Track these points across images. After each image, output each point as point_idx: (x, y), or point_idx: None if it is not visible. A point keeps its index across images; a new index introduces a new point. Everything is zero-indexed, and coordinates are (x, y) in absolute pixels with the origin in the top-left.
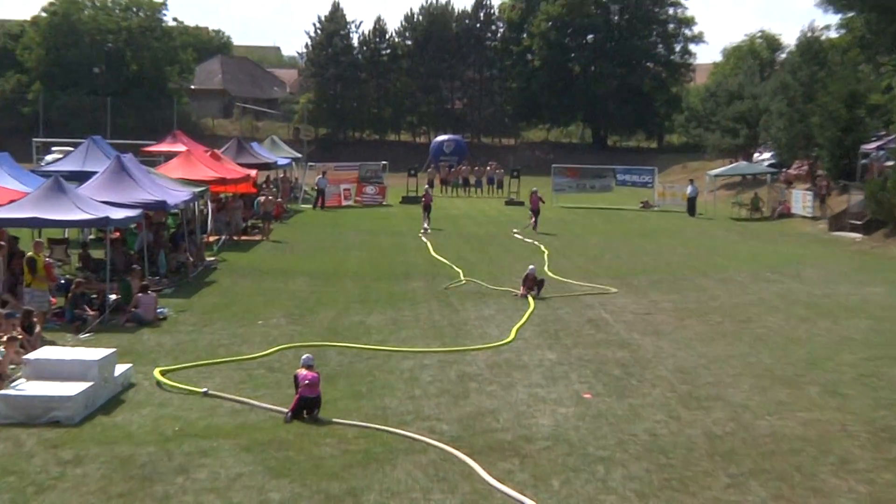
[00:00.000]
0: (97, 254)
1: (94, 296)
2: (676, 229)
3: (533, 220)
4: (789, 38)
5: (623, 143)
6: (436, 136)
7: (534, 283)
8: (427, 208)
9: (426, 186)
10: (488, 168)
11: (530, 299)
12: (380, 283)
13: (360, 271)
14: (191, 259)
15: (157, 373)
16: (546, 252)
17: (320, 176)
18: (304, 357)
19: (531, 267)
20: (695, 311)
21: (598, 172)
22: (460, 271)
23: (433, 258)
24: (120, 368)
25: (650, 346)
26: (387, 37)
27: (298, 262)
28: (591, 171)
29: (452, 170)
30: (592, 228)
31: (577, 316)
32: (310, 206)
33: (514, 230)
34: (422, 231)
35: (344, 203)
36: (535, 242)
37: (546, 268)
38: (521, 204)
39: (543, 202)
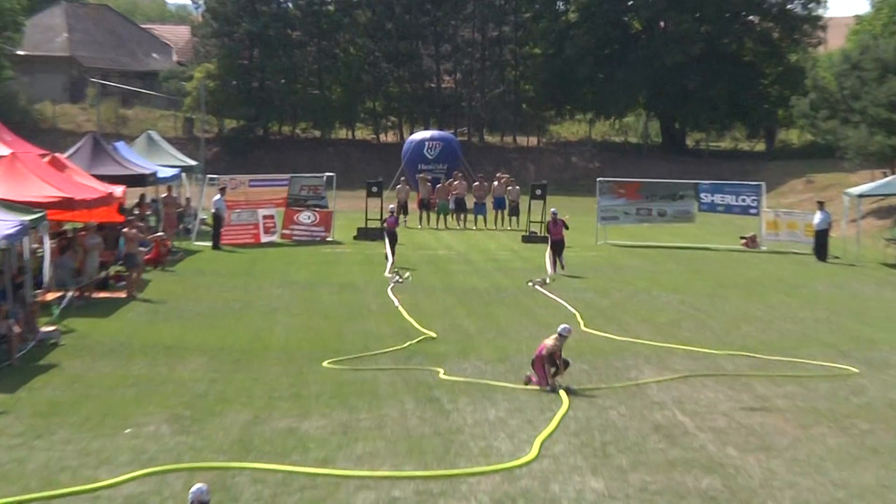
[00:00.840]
0: None
1: None
2: (798, 281)
3: (552, 258)
4: None
5: (711, 143)
6: (412, 134)
7: (554, 362)
8: (391, 239)
9: (391, 208)
10: (495, 183)
11: (562, 394)
12: (322, 368)
13: (291, 348)
14: (16, 329)
15: None
16: (577, 314)
17: (217, 196)
18: (195, 489)
19: (563, 327)
20: (827, 414)
21: (670, 190)
22: (432, 334)
23: (406, 325)
24: None
25: (755, 470)
26: None
27: (191, 333)
28: (659, 189)
29: (438, 186)
30: (662, 279)
31: (636, 419)
32: (210, 243)
33: (530, 282)
34: (390, 279)
35: (264, 239)
36: (559, 299)
37: (582, 326)
38: (547, 241)
39: (568, 228)
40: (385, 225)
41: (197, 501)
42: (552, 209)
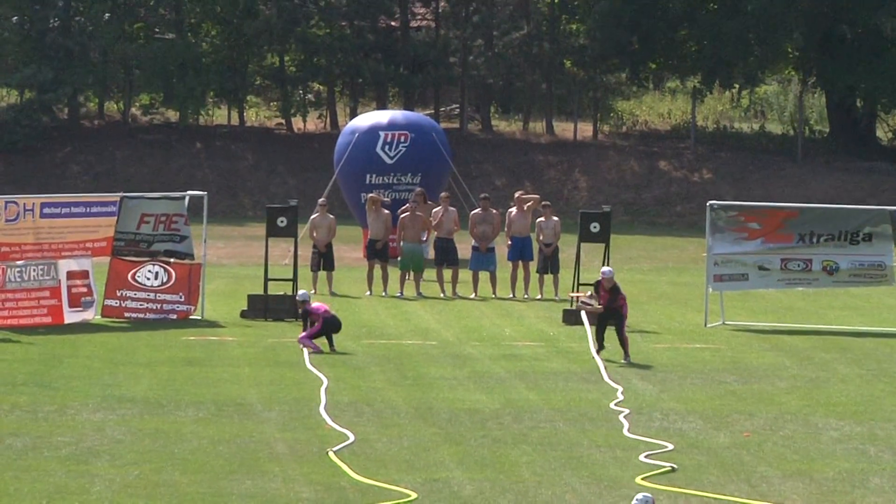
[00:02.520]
0: None
1: None
2: None
3: (597, 344)
4: None
5: None
6: (354, 116)
7: None
8: (327, 328)
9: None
10: (513, 211)
11: None
12: None
13: None
14: None
15: None
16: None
17: None
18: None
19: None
20: None
21: (847, 223)
22: (410, 494)
23: (345, 482)
24: None
25: None
26: None
27: None
28: (826, 221)
29: (404, 217)
30: (831, 395)
31: None
32: None
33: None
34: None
35: (72, 318)
36: (629, 432)
37: None
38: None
39: (624, 302)
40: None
41: None
42: (605, 269)
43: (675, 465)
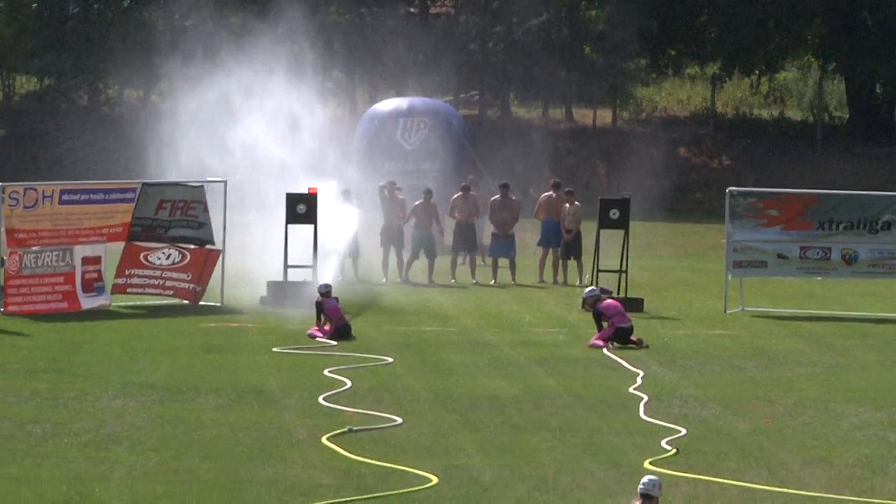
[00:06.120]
0: None
1: None
2: None
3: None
4: None
5: None
6: (374, 103)
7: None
8: (338, 334)
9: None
10: (551, 195)
11: None
12: None
13: None
14: None
15: None
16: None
17: None
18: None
19: (648, 480)
20: None
21: (866, 211)
22: (431, 478)
23: (364, 469)
24: None
25: None
26: None
27: None
28: (845, 208)
29: (418, 204)
30: (850, 381)
31: None
32: None
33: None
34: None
35: (89, 304)
36: (649, 418)
37: None
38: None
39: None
40: (322, 313)
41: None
42: (589, 289)
43: (678, 448)
